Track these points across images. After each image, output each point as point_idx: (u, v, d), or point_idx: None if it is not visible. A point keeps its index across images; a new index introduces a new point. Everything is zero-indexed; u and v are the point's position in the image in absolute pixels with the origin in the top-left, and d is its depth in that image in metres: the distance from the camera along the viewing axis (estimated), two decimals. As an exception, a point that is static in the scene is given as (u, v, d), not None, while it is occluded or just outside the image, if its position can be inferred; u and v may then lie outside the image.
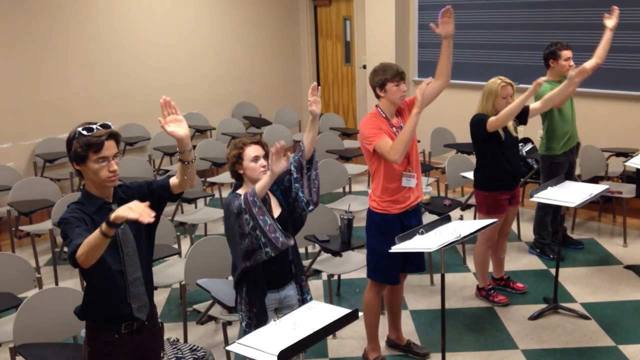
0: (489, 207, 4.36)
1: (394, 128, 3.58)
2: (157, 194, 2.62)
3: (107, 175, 2.43)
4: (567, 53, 4.93)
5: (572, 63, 4.96)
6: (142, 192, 2.59)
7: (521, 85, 4.42)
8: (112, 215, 2.13)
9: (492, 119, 4.16)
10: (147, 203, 2.17)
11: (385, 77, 3.53)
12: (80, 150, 2.39)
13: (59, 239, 5.22)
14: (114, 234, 2.18)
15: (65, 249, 2.33)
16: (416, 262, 3.79)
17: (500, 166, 4.31)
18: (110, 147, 2.42)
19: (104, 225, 2.15)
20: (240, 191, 3.08)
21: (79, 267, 2.27)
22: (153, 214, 2.14)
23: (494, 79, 4.30)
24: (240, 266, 2.99)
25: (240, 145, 3.05)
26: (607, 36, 4.96)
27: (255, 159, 3.03)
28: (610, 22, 4.91)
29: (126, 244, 2.51)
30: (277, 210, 3.12)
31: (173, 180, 2.63)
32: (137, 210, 2.11)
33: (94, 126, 2.42)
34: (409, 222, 3.66)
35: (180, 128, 2.48)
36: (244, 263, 2.98)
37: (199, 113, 8.06)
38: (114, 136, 2.45)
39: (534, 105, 4.49)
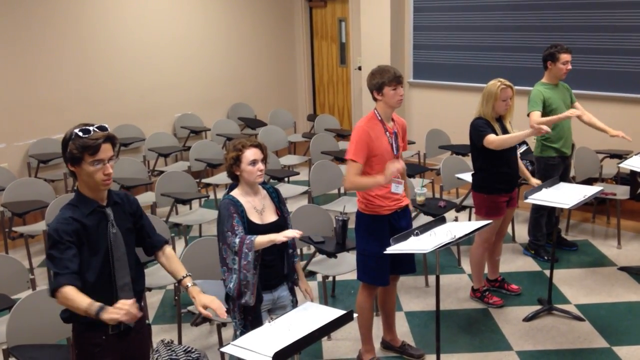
0: (487, 210, 4.36)
1: (387, 133, 3.58)
2: (143, 235, 2.71)
3: (102, 178, 2.41)
4: (566, 57, 4.92)
5: (569, 67, 4.95)
6: (136, 210, 2.66)
7: (519, 88, 4.42)
8: (105, 318, 2.25)
9: (489, 138, 4.16)
10: (132, 300, 2.33)
11: (383, 80, 3.53)
12: (76, 151, 2.38)
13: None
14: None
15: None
16: (407, 263, 3.79)
17: (500, 168, 4.32)
18: (106, 150, 2.41)
19: (94, 311, 2.26)
20: (236, 192, 3.08)
21: (50, 294, 2.37)
22: (139, 314, 2.31)
23: (493, 81, 4.28)
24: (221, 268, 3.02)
25: (240, 147, 3.05)
26: (607, 130, 5.06)
27: (254, 162, 3.04)
28: (620, 133, 4.98)
29: (117, 248, 2.49)
30: (272, 217, 3.12)
31: (160, 256, 2.76)
32: (129, 314, 2.27)
33: (91, 128, 2.41)
34: (398, 223, 3.66)
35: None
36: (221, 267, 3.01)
37: (194, 114, 8.05)
38: (111, 139, 2.44)
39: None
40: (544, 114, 4.88)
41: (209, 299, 2.62)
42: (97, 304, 2.27)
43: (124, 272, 2.52)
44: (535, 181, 4.52)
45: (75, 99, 6.94)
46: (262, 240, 2.94)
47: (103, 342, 2.53)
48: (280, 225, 3.12)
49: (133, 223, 2.64)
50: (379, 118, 3.60)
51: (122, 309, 2.26)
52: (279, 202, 3.19)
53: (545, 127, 4.03)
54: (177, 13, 7.85)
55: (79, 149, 2.37)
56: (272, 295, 3.13)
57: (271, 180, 6.07)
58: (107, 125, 2.47)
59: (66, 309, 2.54)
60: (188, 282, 2.68)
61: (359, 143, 3.51)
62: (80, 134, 2.38)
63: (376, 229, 3.62)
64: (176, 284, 4.01)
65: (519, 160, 4.52)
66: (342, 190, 6.28)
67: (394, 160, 3.48)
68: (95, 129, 2.41)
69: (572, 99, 5.15)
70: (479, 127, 4.24)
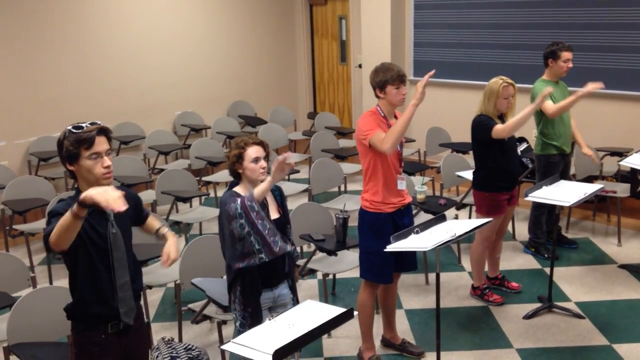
0: (488, 208, 4.36)
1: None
2: (138, 216, 2.74)
3: (102, 171, 2.41)
4: (567, 54, 4.91)
5: (570, 65, 4.95)
6: (135, 204, 2.68)
7: (519, 85, 4.43)
8: (82, 195, 2.13)
9: (498, 128, 4.15)
10: (122, 193, 2.17)
11: (386, 79, 3.52)
12: (71, 148, 2.38)
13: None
14: (85, 215, 2.17)
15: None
16: (409, 261, 3.79)
17: (501, 166, 4.31)
18: (101, 143, 2.41)
19: (75, 206, 2.14)
20: (237, 189, 3.08)
21: (51, 250, 2.30)
22: (125, 206, 2.14)
23: (495, 78, 4.28)
24: (235, 266, 2.99)
25: (242, 144, 3.05)
26: (581, 143, 5.14)
27: (256, 160, 3.04)
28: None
29: (117, 248, 2.49)
30: (275, 214, 3.12)
31: (150, 222, 2.80)
32: (108, 197, 2.10)
33: (84, 124, 2.42)
34: (401, 221, 3.67)
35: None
36: (237, 264, 2.98)
37: (194, 112, 8.05)
38: (104, 132, 2.44)
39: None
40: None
41: (173, 244, 2.69)
42: (75, 204, 2.16)
43: (123, 271, 2.52)
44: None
45: (75, 97, 6.94)
46: (259, 189, 2.93)
47: (102, 341, 2.53)
48: (282, 222, 3.12)
49: (135, 217, 2.64)
50: (382, 114, 3.60)
51: (103, 193, 2.12)
52: (281, 199, 3.18)
53: (547, 90, 4.19)
54: (177, 11, 7.85)
55: (74, 144, 2.37)
56: (272, 293, 3.13)
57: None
58: (99, 122, 2.47)
59: (69, 304, 2.55)
60: (163, 230, 2.76)
61: (368, 122, 3.52)
62: (74, 130, 2.39)
63: (380, 227, 3.62)
64: (177, 282, 4.01)
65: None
66: (342, 188, 6.28)
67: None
68: (87, 125, 2.42)
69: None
70: (483, 122, 4.23)
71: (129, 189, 2.70)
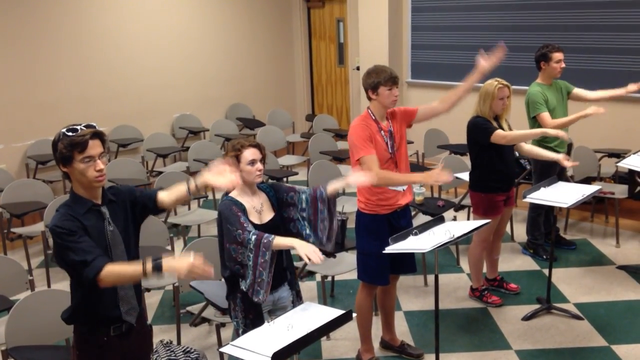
0: (485, 209, 4.37)
1: (382, 132, 3.57)
2: (142, 203, 2.64)
3: (94, 174, 2.40)
4: (558, 55, 4.94)
5: (563, 65, 4.97)
6: (131, 196, 2.61)
7: (515, 87, 4.44)
8: (166, 266, 2.27)
9: (500, 134, 4.17)
10: (202, 258, 2.34)
11: (379, 80, 3.53)
12: (65, 150, 2.38)
13: (52, 241, 5.19)
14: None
15: (76, 266, 2.37)
16: (407, 263, 3.79)
17: (497, 167, 4.32)
18: (95, 146, 2.40)
19: (149, 267, 2.27)
20: (234, 194, 3.08)
21: (90, 284, 2.34)
22: (210, 271, 2.34)
23: (490, 80, 4.30)
24: (233, 267, 2.99)
25: (238, 147, 3.05)
26: (617, 92, 5.04)
27: (252, 162, 3.04)
28: (633, 87, 4.94)
29: (115, 245, 2.49)
30: (269, 215, 3.12)
31: (162, 196, 2.67)
32: (194, 272, 2.29)
33: (78, 127, 2.41)
34: (398, 222, 3.66)
35: (222, 179, 2.64)
36: (234, 266, 2.99)
37: (192, 114, 8.05)
38: (99, 135, 2.43)
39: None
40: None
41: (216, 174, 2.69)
42: (149, 262, 2.30)
43: None
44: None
45: (73, 100, 6.94)
46: (280, 242, 2.89)
47: (104, 343, 2.52)
48: (276, 222, 3.11)
49: (132, 212, 2.63)
50: (373, 117, 3.59)
51: (192, 267, 2.29)
52: (275, 199, 3.17)
53: (563, 134, 4.25)
54: (175, 14, 7.85)
55: (67, 147, 2.37)
56: (272, 296, 3.12)
57: (269, 180, 6.06)
58: (95, 124, 2.47)
59: (67, 309, 2.55)
60: (193, 182, 2.71)
61: (361, 137, 3.51)
62: (68, 133, 2.39)
63: (376, 229, 3.62)
64: (175, 284, 4.01)
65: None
66: (340, 190, 6.27)
67: (438, 170, 3.33)
68: (82, 127, 2.41)
69: (568, 89, 5.14)
70: (482, 125, 4.24)
71: (121, 186, 2.65)
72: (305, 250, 2.80)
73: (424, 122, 3.84)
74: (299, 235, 3.11)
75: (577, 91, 5.16)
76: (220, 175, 2.62)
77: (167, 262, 2.27)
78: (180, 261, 2.29)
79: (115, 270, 2.32)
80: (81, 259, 2.31)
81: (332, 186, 3.17)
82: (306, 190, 3.18)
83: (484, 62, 3.76)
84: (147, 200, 2.64)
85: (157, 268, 2.25)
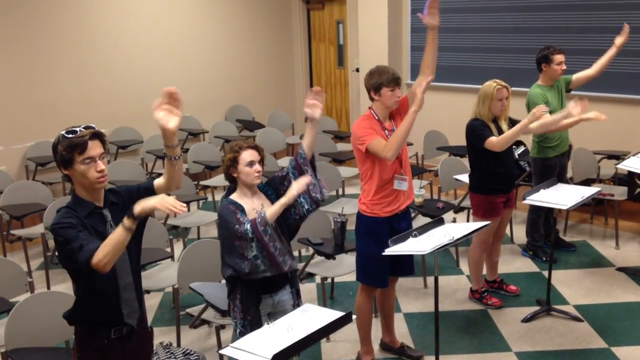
0: (484, 210, 4.37)
1: (386, 131, 3.58)
2: (142, 197, 2.59)
3: (95, 175, 2.40)
4: (559, 57, 4.94)
5: (564, 67, 4.98)
6: (131, 196, 2.57)
7: (516, 89, 4.44)
8: (137, 208, 2.20)
9: (492, 141, 4.15)
10: (175, 197, 2.24)
11: (381, 81, 3.53)
12: (65, 153, 2.37)
13: (51, 243, 5.19)
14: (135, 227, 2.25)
15: (73, 253, 2.31)
16: (406, 265, 3.79)
17: (496, 169, 4.32)
18: (94, 147, 2.40)
19: (127, 220, 2.21)
20: (234, 196, 3.07)
21: (90, 272, 2.28)
22: (184, 206, 2.23)
23: (489, 82, 4.30)
24: (236, 267, 2.99)
25: (237, 148, 3.04)
26: (610, 53, 5.05)
27: (251, 163, 3.03)
28: (619, 39, 4.96)
29: None
30: None
31: (158, 182, 2.62)
32: (165, 204, 2.20)
33: (77, 128, 2.41)
34: (398, 225, 3.66)
35: (170, 119, 2.42)
36: (238, 265, 2.98)
37: (191, 116, 8.04)
38: (98, 136, 2.43)
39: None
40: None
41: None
42: (126, 217, 2.25)
43: (125, 271, 2.52)
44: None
45: (72, 102, 6.94)
46: (273, 210, 2.94)
47: (105, 345, 2.52)
48: (279, 222, 3.11)
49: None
50: (376, 118, 3.60)
51: (161, 201, 2.23)
52: (275, 197, 3.16)
53: (543, 107, 4.11)
54: (174, 16, 7.85)
55: (67, 149, 2.37)
56: (272, 299, 3.12)
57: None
58: (94, 125, 2.46)
59: (69, 310, 2.54)
60: (169, 154, 2.54)
61: (364, 127, 3.52)
62: (67, 135, 2.38)
63: (376, 231, 3.62)
64: (175, 286, 4.00)
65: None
66: (340, 192, 6.28)
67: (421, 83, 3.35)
68: (82, 129, 2.41)
69: (567, 79, 5.14)
70: (478, 129, 4.24)
71: (118, 187, 2.63)
72: (292, 191, 2.92)
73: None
74: (302, 217, 3.12)
75: (577, 76, 5.17)
76: (167, 113, 2.41)
77: (136, 205, 2.23)
78: (150, 198, 2.25)
79: (103, 245, 2.25)
80: (78, 244, 2.29)
81: (306, 139, 3.27)
82: (290, 163, 3.18)
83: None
84: (146, 193, 2.59)
85: (131, 215, 2.21)
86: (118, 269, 2.48)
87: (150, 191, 2.59)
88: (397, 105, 3.59)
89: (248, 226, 2.90)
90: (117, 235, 2.24)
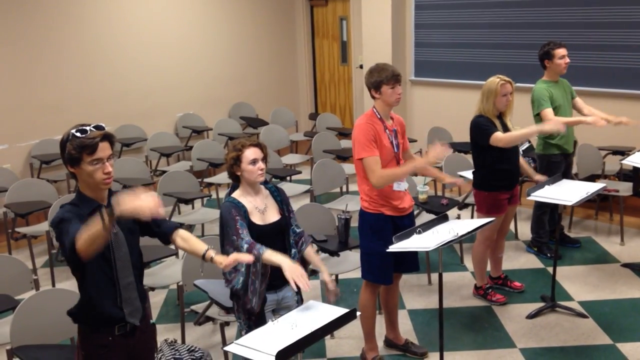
0: (489, 207, 4.36)
1: (387, 131, 3.57)
2: (149, 227, 2.64)
3: (102, 177, 2.40)
4: (561, 51, 4.93)
5: (567, 60, 4.96)
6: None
7: (520, 85, 4.42)
8: (119, 210, 2.14)
9: (497, 136, 4.15)
10: (155, 194, 2.18)
11: (381, 79, 3.52)
12: (74, 152, 2.37)
13: (56, 241, 5.20)
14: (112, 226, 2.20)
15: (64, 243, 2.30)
16: (410, 262, 3.79)
17: (501, 166, 4.31)
18: (104, 149, 2.39)
19: (108, 220, 2.15)
20: (237, 194, 3.07)
21: (78, 260, 2.25)
22: (162, 210, 2.17)
23: (492, 77, 4.28)
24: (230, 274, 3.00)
25: (240, 147, 3.04)
26: (609, 118, 4.90)
27: (254, 161, 3.03)
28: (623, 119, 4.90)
29: (118, 248, 2.49)
30: (274, 216, 3.11)
31: (177, 239, 2.69)
32: (145, 207, 2.14)
33: (88, 128, 2.39)
34: (402, 222, 3.66)
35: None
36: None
37: (195, 113, 8.05)
38: (108, 137, 2.43)
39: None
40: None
41: (234, 256, 2.64)
42: (106, 211, 2.17)
43: (126, 271, 2.52)
44: (539, 177, 4.52)
45: (77, 100, 6.95)
46: (271, 258, 2.88)
47: (109, 343, 2.53)
48: (282, 225, 3.11)
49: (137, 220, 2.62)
50: (378, 116, 3.59)
51: (140, 201, 2.15)
52: (281, 201, 3.18)
53: (562, 126, 4.12)
54: (178, 13, 7.85)
55: (76, 149, 2.36)
56: (276, 296, 3.12)
57: (273, 179, 6.07)
58: (104, 125, 2.46)
59: (73, 307, 2.55)
60: (211, 253, 2.64)
61: (366, 138, 3.50)
62: (78, 134, 2.37)
63: (380, 228, 3.61)
64: (179, 283, 4.01)
65: (521, 158, 4.52)
66: (344, 189, 6.28)
67: (435, 146, 3.42)
68: (92, 129, 2.40)
69: (572, 94, 5.14)
70: (483, 126, 4.23)
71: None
72: (293, 275, 2.78)
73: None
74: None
75: (577, 101, 5.15)
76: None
77: (121, 209, 2.14)
78: (131, 200, 2.15)
79: (83, 233, 2.19)
80: (65, 228, 2.30)
81: (311, 258, 3.18)
82: (295, 231, 3.17)
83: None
84: (159, 230, 2.68)
85: (112, 214, 2.14)
86: (119, 269, 2.49)
87: (165, 235, 2.71)
88: (398, 102, 3.59)
89: (245, 247, 2.89)
90: (95, 227, 2.17)
